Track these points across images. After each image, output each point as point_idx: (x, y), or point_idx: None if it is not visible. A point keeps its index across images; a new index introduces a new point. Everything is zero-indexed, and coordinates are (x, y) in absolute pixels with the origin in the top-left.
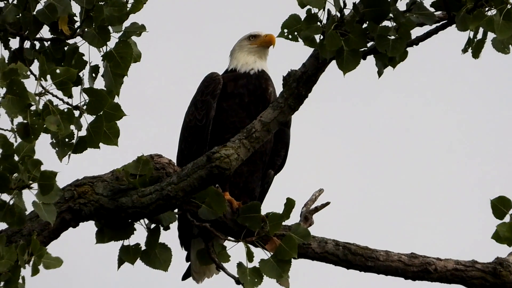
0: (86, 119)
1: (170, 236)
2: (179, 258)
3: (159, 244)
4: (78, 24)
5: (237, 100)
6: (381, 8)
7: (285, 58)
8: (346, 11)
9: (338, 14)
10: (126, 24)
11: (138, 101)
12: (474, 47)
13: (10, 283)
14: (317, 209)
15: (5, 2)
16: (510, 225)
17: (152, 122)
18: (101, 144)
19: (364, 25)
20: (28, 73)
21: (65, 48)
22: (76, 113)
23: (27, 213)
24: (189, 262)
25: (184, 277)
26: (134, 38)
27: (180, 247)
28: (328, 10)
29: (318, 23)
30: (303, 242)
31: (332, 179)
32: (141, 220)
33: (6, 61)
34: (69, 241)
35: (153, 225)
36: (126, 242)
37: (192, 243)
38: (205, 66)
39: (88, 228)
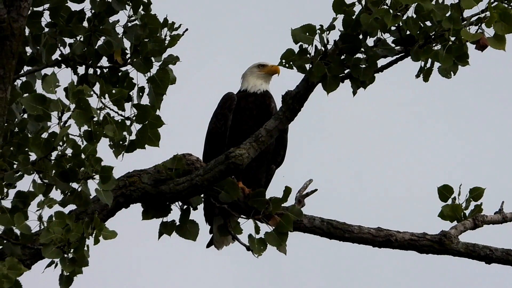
0: (135, 127)
1: (197, 215)
2: (204, 231)
3: (189, 221)
4: (128, 55)
5: (248, 113)
6: (355, 44)
7: (283, 81)
8: (329, 46)
9: (323, 49)
10: (165, 55)
11: (174, 113)
12: (425, 73)
13: (78, 250)
14: (307, 194)
15: (74, 39)
16: (451, 207)
17: (184, 129)
18: (146, 146)
19: (342, 57)
20: (91, 92)
21: (119, 74)
22: (128, 122)
23: (91, 197)
24: (212, 234)
25: (208, 245)
26: (170, 66)
27: (205, 222)
28: (315, 45)
29: (308, 55)
30: (297, 219)
31: (320, 171)
32: (176, 203)
33: (75, 84)
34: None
35: (185, 206)
36: (164, 219)
37: (214, 219)
38: (223, 86)
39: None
